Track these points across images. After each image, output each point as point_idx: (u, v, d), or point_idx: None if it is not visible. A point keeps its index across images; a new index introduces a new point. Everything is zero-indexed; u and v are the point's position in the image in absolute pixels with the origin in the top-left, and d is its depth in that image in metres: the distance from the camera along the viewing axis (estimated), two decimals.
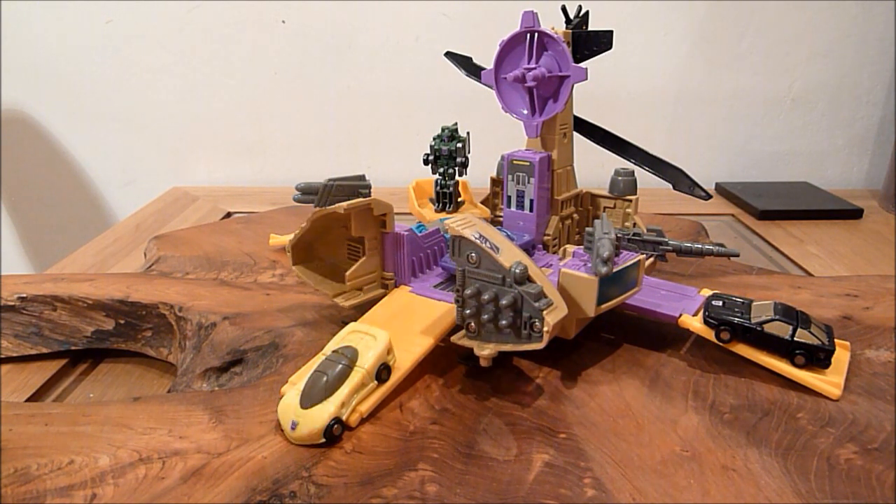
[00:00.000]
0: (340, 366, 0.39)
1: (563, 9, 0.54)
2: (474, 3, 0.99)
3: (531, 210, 0.55)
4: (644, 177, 0.58)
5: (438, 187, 0.64)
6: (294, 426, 0.37)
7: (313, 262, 0.51)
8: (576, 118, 0.58)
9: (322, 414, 0.37)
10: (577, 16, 0.54)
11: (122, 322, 0.55)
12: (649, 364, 0.46)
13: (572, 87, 0.52)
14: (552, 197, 0.56)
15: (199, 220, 0.89)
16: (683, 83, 1.04)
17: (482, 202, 0.63)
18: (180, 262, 0.65)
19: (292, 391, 0.39)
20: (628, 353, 0.48)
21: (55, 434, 0.38)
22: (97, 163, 1.11)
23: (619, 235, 0.46)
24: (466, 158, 0.63)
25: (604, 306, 0.43)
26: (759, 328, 0.44)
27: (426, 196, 0.68)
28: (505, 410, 0.41)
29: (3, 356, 0.54)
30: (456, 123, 0.63)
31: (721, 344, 0.45)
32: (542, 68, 0.51)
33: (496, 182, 0.60)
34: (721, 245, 0.47)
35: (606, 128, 0.59)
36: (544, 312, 0.39)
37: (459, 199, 0.65)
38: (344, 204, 0.46)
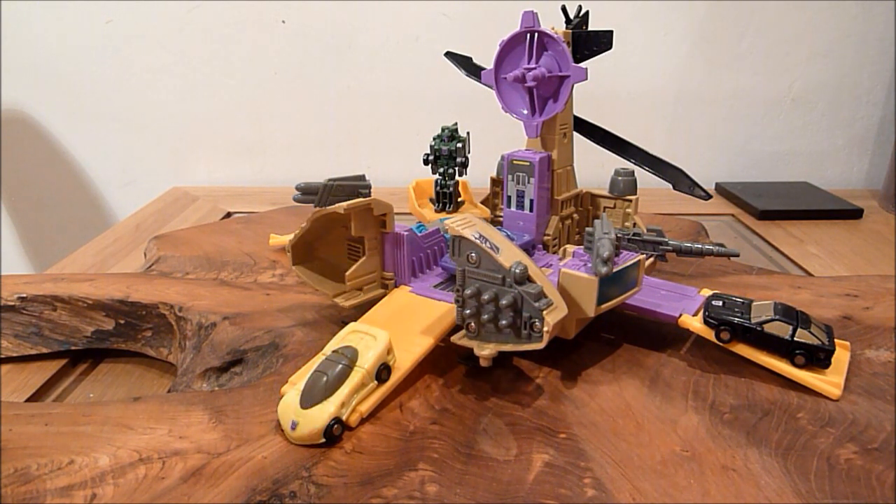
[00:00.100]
0: (340, 366, 0.39)
1: (563, 9, 0.54)
2: (474, 3, 0.99)
3: (531, 210, 0.55)
4: (644, 177, 0.58)
5: (438, 187, 0.64)
6: (294, 426, 0.37)
7: (313, 262, 0.51)
8: (576, 118, 0.58)
9: (322, 414, 0.37)
10: (577, 16, 0.54)
11: (122, 322, 0.55)
12: (649, 364, 0.46)
13: (572, 87, 0.52)
14: (552, 197, 0.56)
15: (199, 220, 0.89)
16: (683, 83, 1.04)
17: (482, 202, 0.63)
18: (180, 262, 0.65)
19: (292, 391, 0.39)
20: (628, 353, 0.48)
21: (55, 434, 0.38)
22: (97, 163, 1.11)
23: (619, 235, 0.46)
24: (466, 158, 0.63)
25: (604, 306, 0.43)
26: (759, 328, 0.44)
27: (426, 196, 0.68)
28: (505, 410, 0.41)
29: (3, 356, 0.54)
30: (456, 123, 0.63)
31: (721, 344, 0.45)
32: (542, 68, 0.51)
33: (496, 182, 0.60)
34: (721, 245, 0.47)
35: (606, 128, 0.59)
36: (544, 312, 0.39)
37: (459, 199, 0.65)
38: (344, 204, 0.46)
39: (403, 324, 0.46)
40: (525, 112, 0.54)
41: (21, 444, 0.37)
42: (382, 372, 0.40)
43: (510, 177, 0.55)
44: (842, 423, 0.40)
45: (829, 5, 0.99)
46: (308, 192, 0.55)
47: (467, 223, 0.42)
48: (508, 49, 0.53)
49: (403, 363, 0.42)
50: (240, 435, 0.38)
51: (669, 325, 0.47)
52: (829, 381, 0.42)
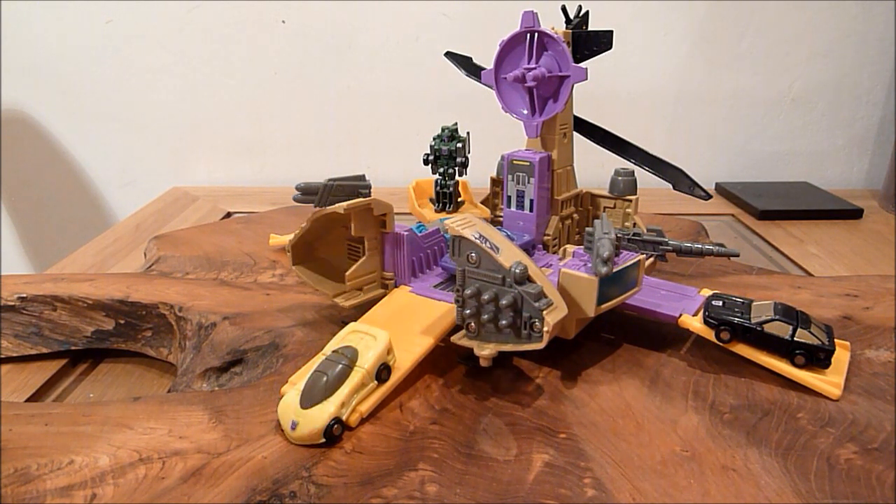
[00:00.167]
0: (340, 366, 0.39)
1: (563, 9, 0.54)
2: (474, 3, 0.99)
3: (531, 210, 0.55)
4: (644, 177, 0.58)
5: (438, 187, 0.64)
6: (294, 426, 0.37)
7: (313, 262, 0.51)
8: (576, 118, 0.58)
9: (322, 414, 0.37)
10: (577, 16, 0.54)
11: (122, 322, 0.55)
12: (649, 364, 0.46)
13: (572, 87, 0.52)
14: (552, 197, 0.56)
15: (199, 220, 0.89)
16: (683, 83, 1.04)
17: (482, 202, 0.63)
18: (180, 262, 0.65)
19: (292, 391, 0.39)
20: (628, 353, 0.48)
21: (55, 434, 0.38)
22: (97, 163, 1.11)
23: (619, 235, 0.46)
24: (466, 158, 0.63)
25: (604, 306, 0.43)
26: (759, 328, 0.44)
27: (426, 196, 0.68)
28: (505, 410, 0.41)
29: (3, 356, 0.54)
30: (456, 123, 0.63)
31: (721, 344, 0.45)
32: (542, 68, 0.51)
33: (496, 182, 0.60)
34: (721, 245, 0.47)
35: (606, 128, 0.59)
36: (544, 312, 0.39)
37: (459, 199, 0.65)
38: (344, 204, 0.46)
39: (403, 324, 0.46)
40: (525, 112, 0.54)
41: (21, 444, 0.37)
42: (382, 372, 0.40)
43: (510, 177, 0.55)
44: (842, 423, 0.40)
45: (829, 5, 0.99)
46: (308, 192, 0.55)
47: (467, 223, 0.42)
48: (508, 49, 0.53)
49: (403, 363, 0.42)
50: (240, 435, 0.38)
51: (669, 325, 0.47)
52: (829, 381, 0.42)
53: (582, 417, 0.40)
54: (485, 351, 0.41)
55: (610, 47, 0.54)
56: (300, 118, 1.07)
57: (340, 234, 0.50)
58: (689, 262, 0.64)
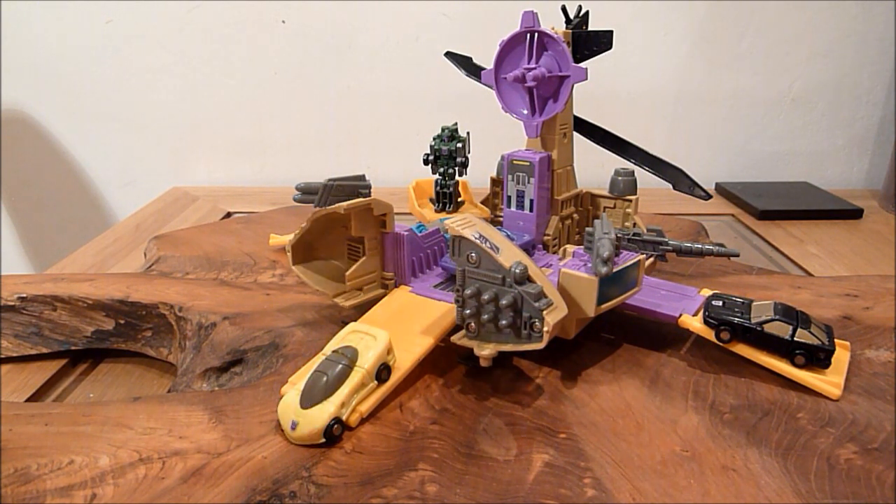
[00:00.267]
0: (340, 366, 0.39)
1: (563, 9, 0.54)
2: (474, 3, 0.99)
3: (531, 210, 0.55)
4: (644, 177, 0.58)
5: (438, 187, 0.64)
6: (294, 426, 0.37)
7: (313, 262, 0.51)
8: (576, 118, 0.58)
9: (322, 414, 0.37)
10: (577, 16, 0.54)
11: (122, 322, 0.55)
12: (649, 364, 0.46)
13: (572, 87, 0.52)
14: (552, 197, 0.56)
15: (199, 220, 0.89)
16: (683, 83, 1.04)
17: (482, 202, 0.63)
18: (180, 262, 0.65)
19: (292, 391, 0.39)
20: (628, 353, 0.48)
21: (55, 434, 0.38)
22: (97, 163, 1.11)
23: (619, 235, 0.46)
24: (466, 158, 0.63)
25: (604, 306, 0.43)
26: (759, 328, 0.44)
27: (426, 196, 0.68)
28: (505, 410, 0.41)
29: (3, 356, 0.54)
30: (456, 123, 0.63)
31: (721, 344, 0.45)
32: (542, 68, 0.51)
33: (496, 182, 0.60)
34: (721, 245, 0.47)
35: (606, 128, 0.59)
36: (544, 312, 0.39)
37: (459, 199, 0.65)
38: (344, 204, 0.46)
39: (403, 324, 0.46)
40: (525, 112, 0.54)
41: (21, 444, 0.37)
42: (382, 372, 0.40)
43: (510, 177, 0.55)
44: (842, 423, 0.40)
45: (829, 5, 0.99)
46: (308, 192, 0.55)
47: (467, 223, 0.42)
48: (508, 49, 0.53)
49: (403, 363, 0.42)
50: (240, 435, 0.38)
51: (669, 325, 0.47)
52: (829, 381, 0.42)
53: (582, 417, 0.40)
54: (485, 351, 0.41)
55: (610, 47, 0.54)
56: (300, 118, 1.07)
57: (340, 234, 0.50)
58: (689, 262, 0.64)
